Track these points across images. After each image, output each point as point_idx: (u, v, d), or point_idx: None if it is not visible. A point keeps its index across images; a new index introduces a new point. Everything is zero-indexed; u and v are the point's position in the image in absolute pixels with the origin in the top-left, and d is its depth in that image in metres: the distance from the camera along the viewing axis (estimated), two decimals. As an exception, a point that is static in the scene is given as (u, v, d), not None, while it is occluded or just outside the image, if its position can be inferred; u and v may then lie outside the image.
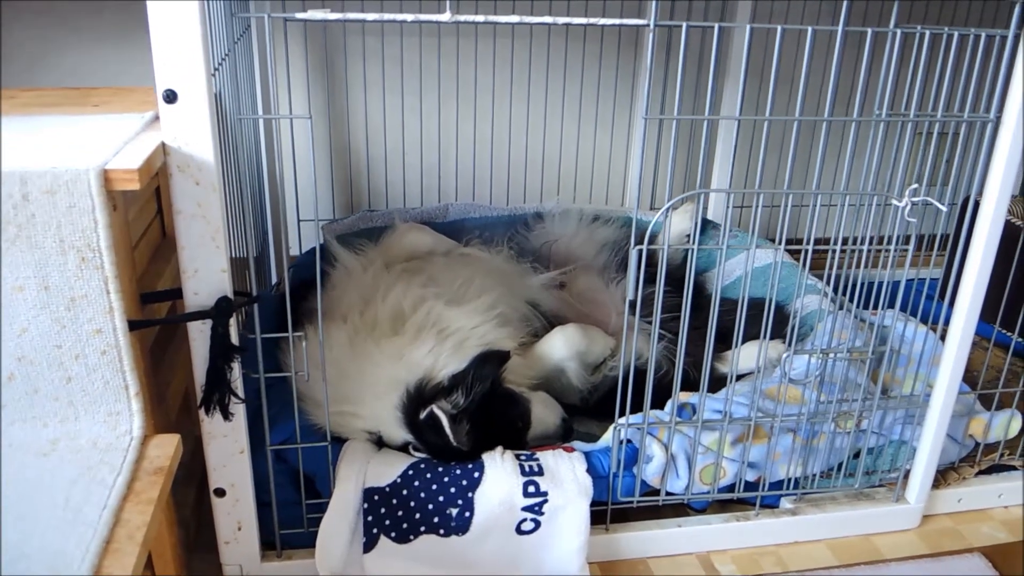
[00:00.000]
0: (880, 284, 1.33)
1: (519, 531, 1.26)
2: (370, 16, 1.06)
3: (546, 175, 2.09)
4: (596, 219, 1.89)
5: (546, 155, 2.08)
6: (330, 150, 2.00)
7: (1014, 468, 1.54)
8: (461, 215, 1.93)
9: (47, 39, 1.82)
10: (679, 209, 1.90)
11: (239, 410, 1.16)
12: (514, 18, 1.07)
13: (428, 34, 1.90)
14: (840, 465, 1.44)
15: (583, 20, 1.10)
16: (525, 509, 1.26)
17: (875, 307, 1.38)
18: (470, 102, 1.99)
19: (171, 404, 1.26)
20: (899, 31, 1.17)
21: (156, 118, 1.06)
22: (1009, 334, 1.46)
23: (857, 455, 1.45)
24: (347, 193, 2.06)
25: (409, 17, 1.06)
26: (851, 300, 1.47)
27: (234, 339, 1.13)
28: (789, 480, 1.42)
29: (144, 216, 1.28)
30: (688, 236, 1.87)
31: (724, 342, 1.43)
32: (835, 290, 1.43)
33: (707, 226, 2.04)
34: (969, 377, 1.54)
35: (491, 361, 1.34)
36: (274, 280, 1.77)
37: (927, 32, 1.19)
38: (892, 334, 1.47)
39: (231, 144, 1.36)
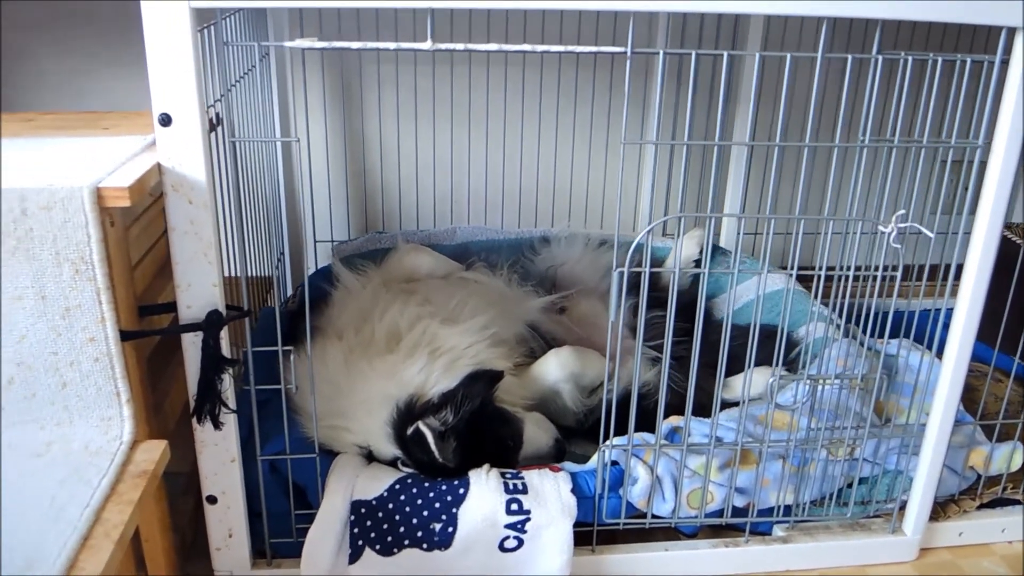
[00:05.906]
0: (888, 313, 1.32)
1: (502, 548, 1.28)
2: (354, 44, 1.11)
3: (557, 200, 2.11)
4: (603, 244, 1.90)
5: (557, 180, 2.10)
6: (346, 173, 2.06)
7: (1018, 502, 1.50)
8: (468, 238, 1.96)
9: (74, 68, 1.95)
10: (687, 234, 1.91)
11: (230, 420, 1.21)
12: (492, 46, 1.10)
13: (441, 61, 1.95)
14: (833, 494, 1.42)
15: (561, 48, 1.13)
16: (508, 527, 1.27)
17: (882, 335, 1.37)
18: (482, 128, 2.03)
19: (169, 413, 1.31)
20: (880, 58, 1.17)
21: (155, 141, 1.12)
22: (1012, 356, 1.43)
23: (851, 484, 1.43)
24: (362, 215, 2.11)
25: (392, 45, 1.11)
26: (861, 328, 1.46)
27: (225, 351, 1.18)
28: (779, 507, 1.40)
29: (151, 233, 1.34)
30: (696, 262, 1.88)
31: (728, 367, 1.42)
32: (841, 317, 1.42)
33: (715, 252, 2.03)
34: (973, 407, 1.51)
35: (482, 380, 1.36)
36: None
37: (910, 58, 1.20)
38: (883, 361, 1.46)
39: (246, 165, 1.41)
